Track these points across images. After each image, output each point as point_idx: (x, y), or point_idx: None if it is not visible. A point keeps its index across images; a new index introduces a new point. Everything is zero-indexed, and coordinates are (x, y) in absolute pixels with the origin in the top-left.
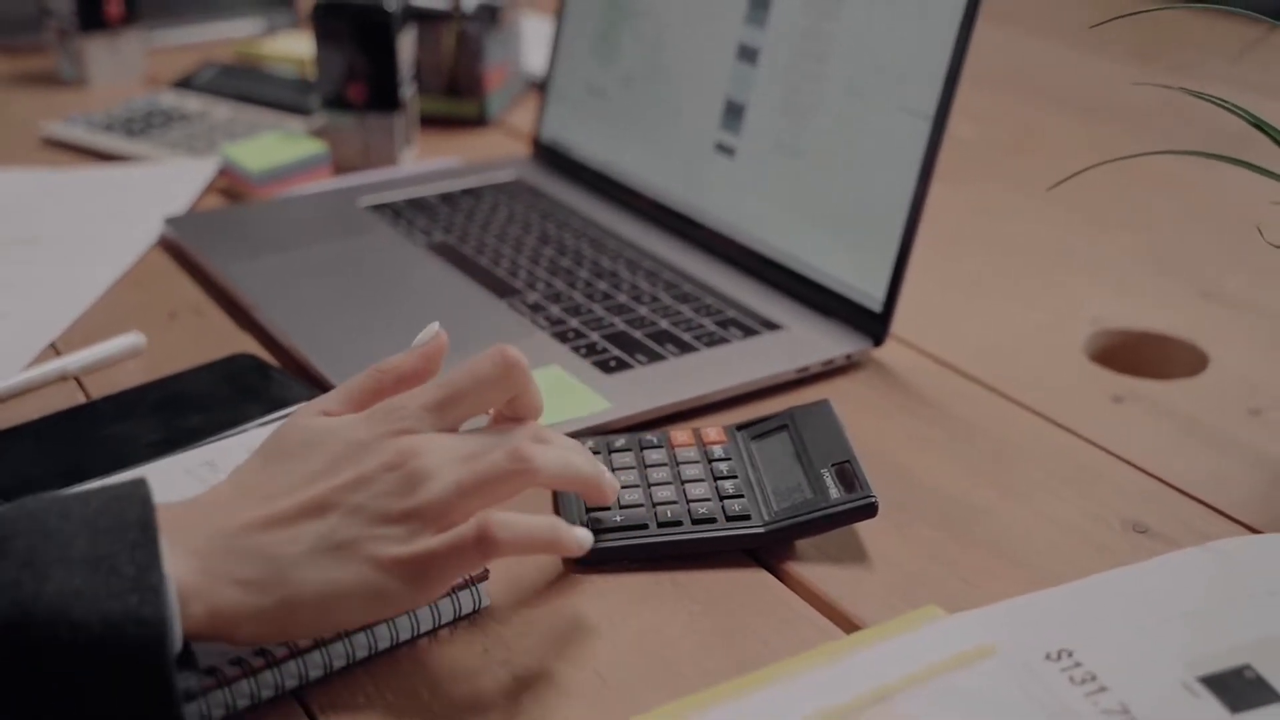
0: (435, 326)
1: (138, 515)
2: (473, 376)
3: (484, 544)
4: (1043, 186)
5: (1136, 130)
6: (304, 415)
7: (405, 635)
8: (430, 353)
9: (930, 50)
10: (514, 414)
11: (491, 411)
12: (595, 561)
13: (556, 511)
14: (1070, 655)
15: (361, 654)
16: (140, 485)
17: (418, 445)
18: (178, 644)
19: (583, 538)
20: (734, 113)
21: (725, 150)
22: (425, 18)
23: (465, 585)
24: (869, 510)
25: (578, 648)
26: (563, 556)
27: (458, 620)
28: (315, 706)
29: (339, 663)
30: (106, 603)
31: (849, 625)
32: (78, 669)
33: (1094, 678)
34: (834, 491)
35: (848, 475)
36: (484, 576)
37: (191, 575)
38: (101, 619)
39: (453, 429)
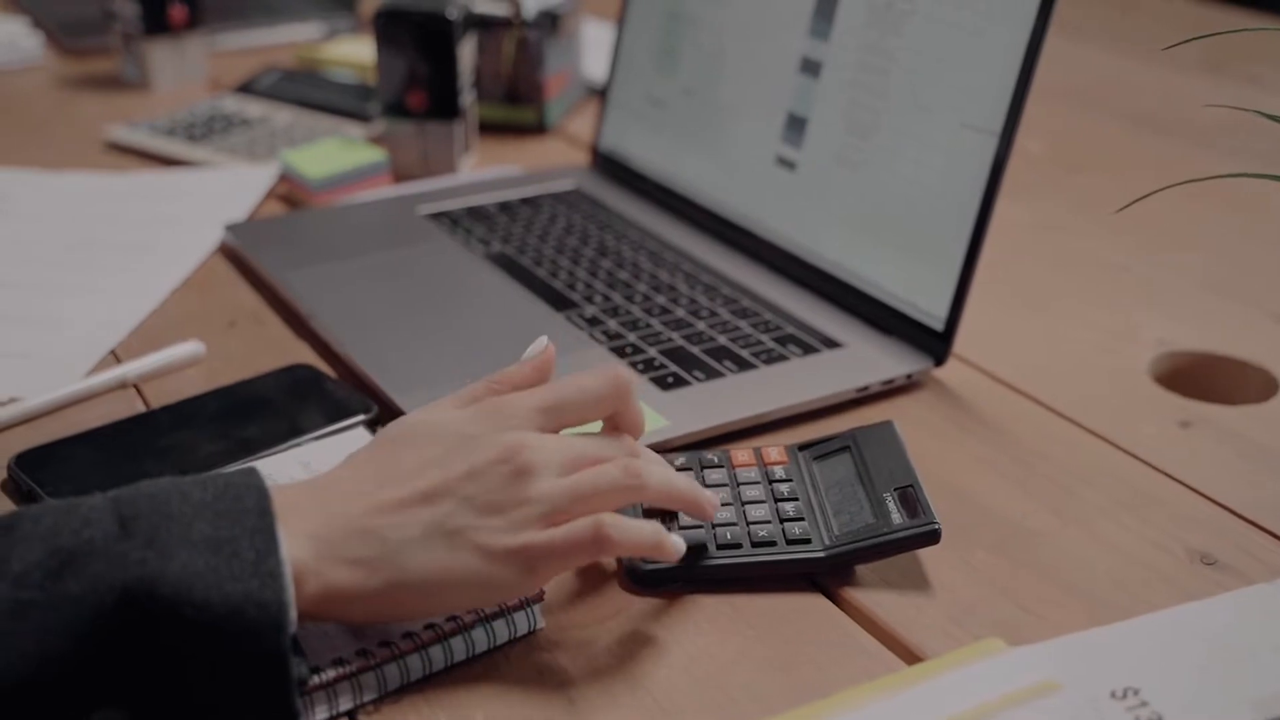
0: (544, 340)
1: (256, 502)
2: (581, 389)
3: (600, 542)
4: (1105, 203)
5: (1202, 146)
6: (417, 413)
7: (460, 656)
8: (541, 365)
9: (997, 66)
10: (617, 427)
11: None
12: (653, 583)
13: None
14: (1136, 694)
15: (416, 675)
16: (254, 474)
17: (528, 441)
18: (293, 627)
19: (680, 545)
20: (796, 126)
21: (786, 164)
22: (486, 24)
23: (521, 606)
24: (932, 537)
25: (633, 671)
26: (627, 574)
27: (513, 642)
28: None
29: (394, 684)
30: (229, 585)
31: (908, 654)
32: (198, 647)
33: (1160, 718)
34: (896, 517)
35: (910, 500)
36: (539, 598)
37: (307, 555)
38: (223, 600)
39: (554, 433)
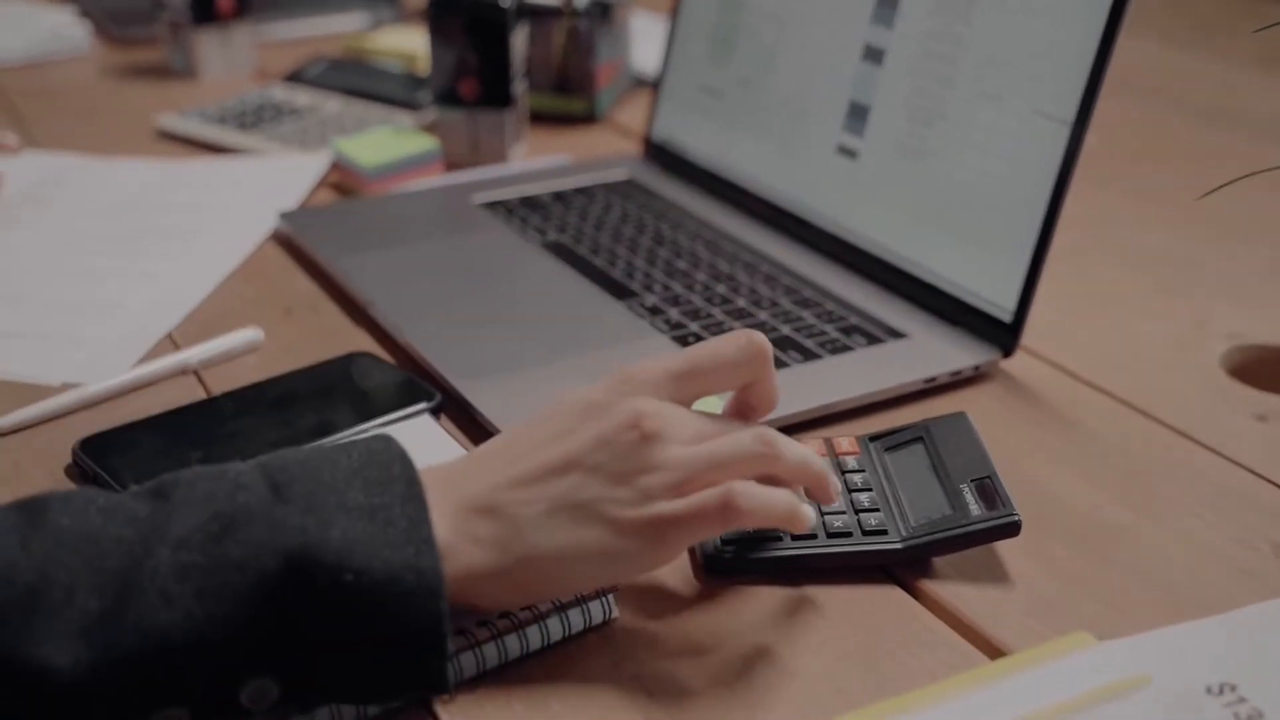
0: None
1: (402, 470)
2: (716, 355)
3: (728, 512)
4: (1167, 195)
5: (1262, 138)
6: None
7: (535, 645)
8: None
9: (1070, 52)
10: (748, 401)
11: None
12: (729, 572)
13: None
14: (1234, 689)
15: (492, 663)
16: (393, 442)
17: (657, 409)
18: (447, 595)
19: (811, 515)
20: (858, 114)
21: (848, 153)
22: (537, 14)
23: (595, 595)
24: (1012, 529)
25: (708, 662)
26: (703, 563)
27: (587, 631)
28: (444, 716)
29: (470, 672)
30: (387, 552)
31: (989, 648)
32: (356, 614)
33: (1261, 715)
34: (974, 508)
35: (989, 492)
36: (614, 587)
37: (446, 534)
38: (383, 566)
39: (686, 403)
